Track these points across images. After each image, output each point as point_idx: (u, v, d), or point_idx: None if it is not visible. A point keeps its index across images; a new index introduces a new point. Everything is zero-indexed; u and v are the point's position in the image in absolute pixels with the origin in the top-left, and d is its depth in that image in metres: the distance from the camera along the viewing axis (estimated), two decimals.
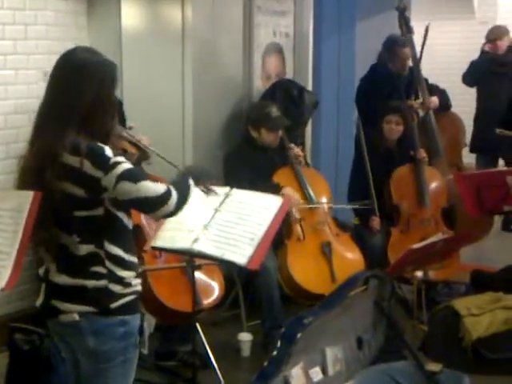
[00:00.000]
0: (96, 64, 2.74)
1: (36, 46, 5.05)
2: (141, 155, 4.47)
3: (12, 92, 4.97)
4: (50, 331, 2.95)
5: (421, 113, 6.05)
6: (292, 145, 5.40)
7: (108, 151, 2.66)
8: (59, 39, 5.06)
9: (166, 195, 2.71)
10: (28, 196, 2.75)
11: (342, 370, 4.14)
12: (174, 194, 2.73)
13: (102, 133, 2.72)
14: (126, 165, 2.67)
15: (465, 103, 7.80)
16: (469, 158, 7.50)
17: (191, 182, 2.91)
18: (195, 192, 3.01)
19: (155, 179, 2.73)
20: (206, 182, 3.16)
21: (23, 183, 2.77)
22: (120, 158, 2.68)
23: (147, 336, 2.84)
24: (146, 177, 2.71)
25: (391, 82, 6.03)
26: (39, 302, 2.85)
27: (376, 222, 5.44)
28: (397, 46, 6.11)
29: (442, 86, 6.36)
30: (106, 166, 2.64)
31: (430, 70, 6.33)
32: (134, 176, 2.66)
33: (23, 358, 4.02)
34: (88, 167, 2.63)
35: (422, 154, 5.72)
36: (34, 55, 4.95)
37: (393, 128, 5.67)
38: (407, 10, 6.29)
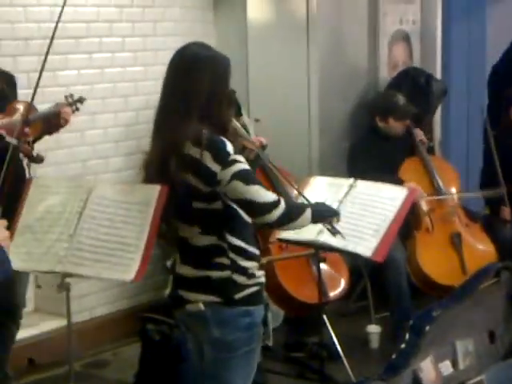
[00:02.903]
0: (209, 58, 2.78)
1: (164, 42, 5.17)
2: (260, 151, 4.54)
3: (142, 88, 5.11)
4: (178, 322, 3.01)
5: None
6: (416, 129, 5.31)
7: (229, 147, 2.70)
8: (186, 35, 5.12)
9: (273, 205, 2.71)
10: (155, 189, 2.82)
11: (473, 363, 4.05)
12: (282, 208, 2.72)
13: (220, 123, 2.76)
14: (244, 165, 2.70)
15: None
16: None
17: (308, 212, 2.84)
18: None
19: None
20: (332, 220, 3.04)
21: (148, 176, 2.84)
22: (239, 157, 2.71)
23: (272, 328, 2.86)
24: (259, 182, 2.72)
25: None
26: (167, 292, 2.91)
27: (507, 212, 5.26)
28: None
29: None
30: (224, 160, 2.67)
31: None
32: (247, 178, 2.69)
33: (154, 347, 4.12)
34: (208, 159, 2.67)
35: None
36: (163, 51, 5.07)
37: None
38: None
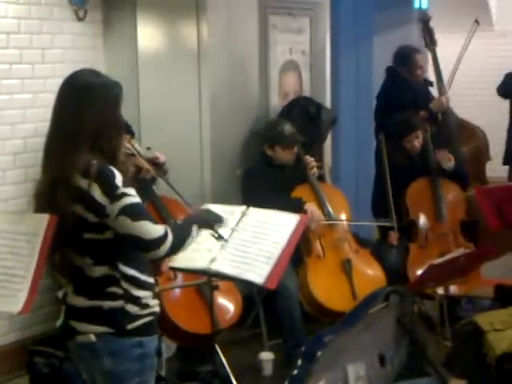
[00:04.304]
0: (99, 85, 2.75)
1: (52, 69, 5.09)
2: (157, 171, 4.50)
3: (30, 115, 5.01)
4: (70, 353, 2.95)
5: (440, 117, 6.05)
6: (307, 156, 5.37)
7: (118, 179, 2.67)
8: (75, 62, 5.05)
9: (160, 240, 2.69)
10: (43, 219, 2.75)
11: None
12: (169, 240, 2.71)
13: (110, 152, 2.73)
14: (132, 199, 2.68)
15: (494, 116, 7.80)
16: (502, 172, 7.46)
17: (194, 229, 2.86)
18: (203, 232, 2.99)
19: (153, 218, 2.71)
20: (217, 226, 3.08)
21: (39, 206, 2.78)
22: (128, 190, 2.68)
23: (165, 358, 2.84)
24: (148, 217, 2.70)
25: (410, 91, 6.06)
26: (59, 323, 2.86)
27: (393, 237, 5.38)
28: (414, 52, 6.19)
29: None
30: (113, 194, 2.65)
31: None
32: (135, 213, 2.67)
33: (43, 381, 4.03)
34: (96, 192, 2.65)
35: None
36: (51, 78, 4.99)
37: (415, 145, 5.63)
38: (430, 20, 6.28)
